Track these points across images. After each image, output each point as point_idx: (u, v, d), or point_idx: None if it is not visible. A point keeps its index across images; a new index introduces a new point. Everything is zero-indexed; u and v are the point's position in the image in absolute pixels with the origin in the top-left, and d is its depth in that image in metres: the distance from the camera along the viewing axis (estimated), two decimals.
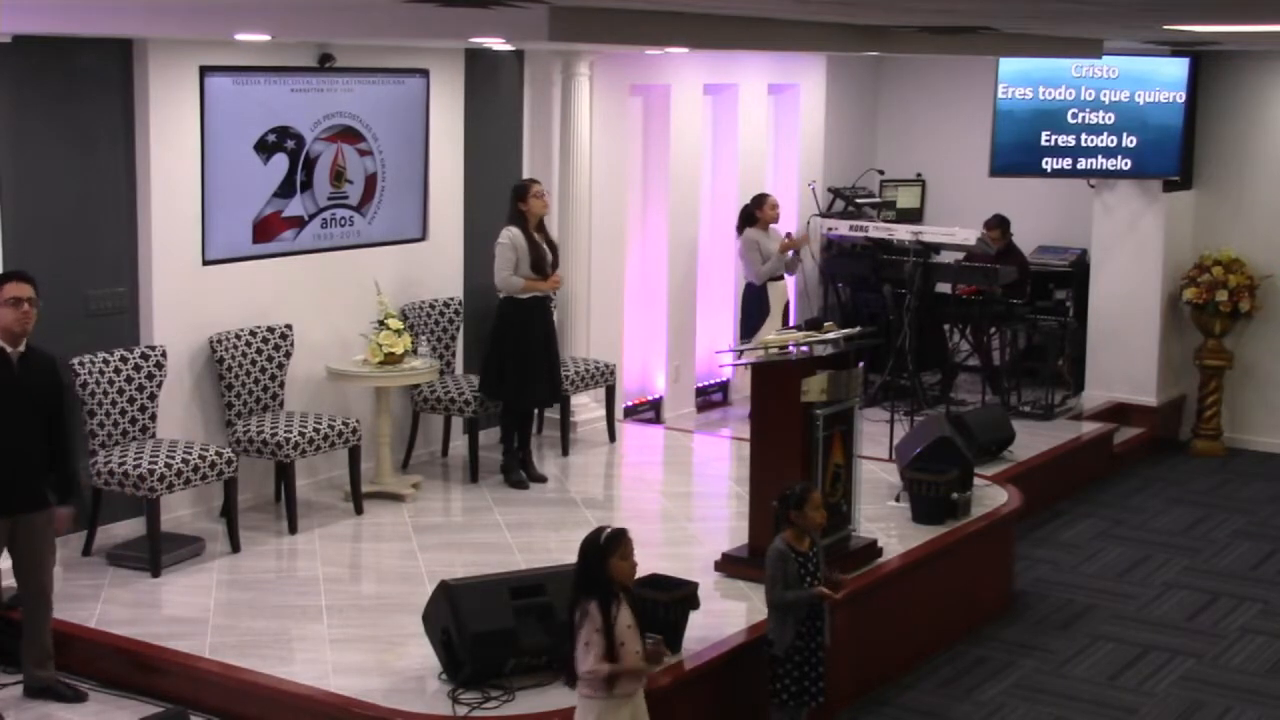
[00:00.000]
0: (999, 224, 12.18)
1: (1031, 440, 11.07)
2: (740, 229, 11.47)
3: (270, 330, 8.89)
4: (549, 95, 10.48)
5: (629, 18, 7.03)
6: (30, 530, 6.53)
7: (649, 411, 11.62)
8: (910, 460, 8.97)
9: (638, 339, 11.55)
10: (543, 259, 9.28)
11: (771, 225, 11.37)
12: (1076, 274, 12.80)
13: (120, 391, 8.09)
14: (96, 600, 7.41)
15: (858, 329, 8.35)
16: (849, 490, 7.87)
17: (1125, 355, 12.50)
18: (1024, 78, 12.02)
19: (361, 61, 9.35)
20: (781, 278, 11.42)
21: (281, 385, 8.93)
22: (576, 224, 10.43)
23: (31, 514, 6.51)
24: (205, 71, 8.49)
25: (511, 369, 9.29)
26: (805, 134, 12.70)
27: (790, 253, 11.37)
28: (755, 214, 11.37)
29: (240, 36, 7.91)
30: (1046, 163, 12.17)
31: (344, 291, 9.37)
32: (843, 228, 12.14)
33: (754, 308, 11.35)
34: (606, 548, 5.52)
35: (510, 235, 9.23)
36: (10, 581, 6.81)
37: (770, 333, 10.80)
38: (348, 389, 9.37)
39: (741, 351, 9.19)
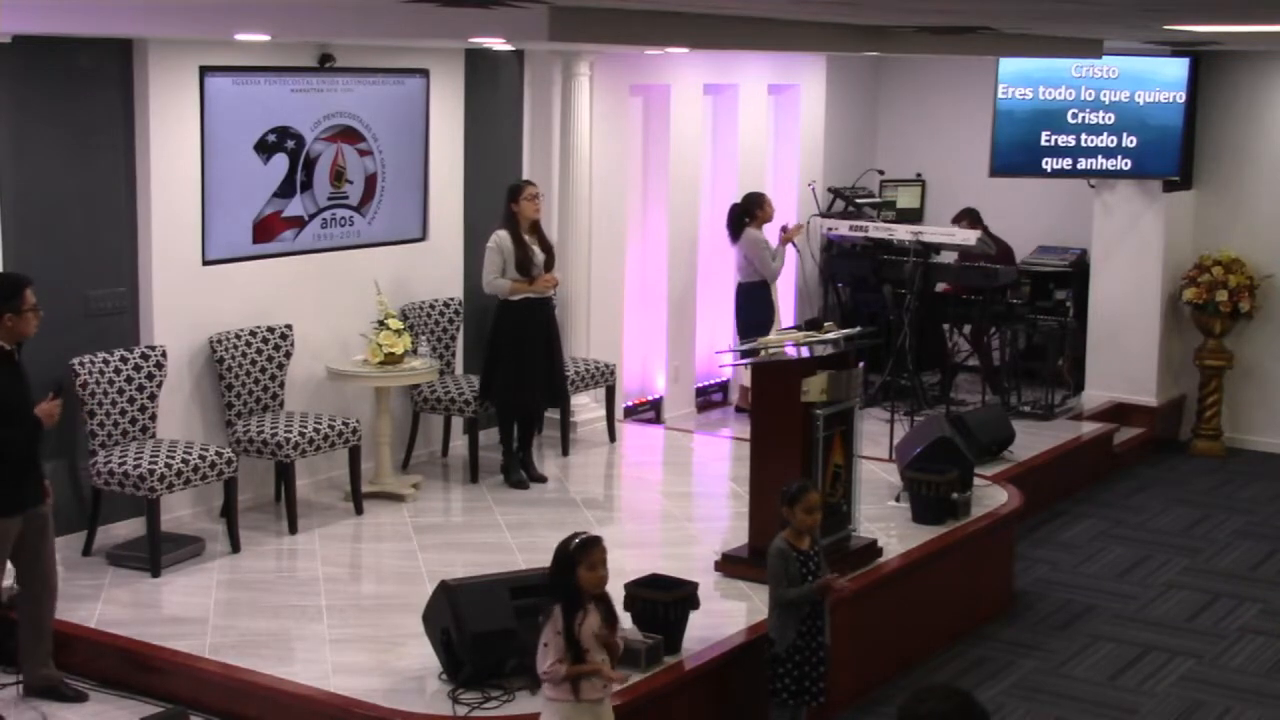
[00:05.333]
0: (967, 215, 12.20)
1: (1031, 440, 11.07)
2: (735, 231, 11.48)
3: (270, 330, 8.89)
4: (549, 95, 10.48)
5: (629, 18, 7.03)
6: (41, 523, 6.54)
7: (649, 411, 11.62)
8: (910, 460, 8.97)
9: (638, 339, 11.55)
10: (529, 261, 9.25)
11: (766, 224, 11.46)
12: (1076, 274, 12.80)
13: (120, 391, 8.09)
14: (96, 600, 7.40)
15: (858, 329, 8.36)
16: (849, 490, 7.87)
17: (1125, 355, 12.50)
18: (1024, 78, 12.02)
19: (361, 61, 9.35)
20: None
21: (281, 385, 8.93)
22: (576, 224, 10.43)
23: (40, 506, 6.53)
24: (205, 71, 8.49)
25: (505, 372, 9.28)
26: (805, 134, 12.70)
27: (789, 244, 11.53)
28: (756, 213, 11.42)
29: (240, 36, 7.91)
30: (1046, 163, 12.17)
31: (344, 291, 9.38)
32: (843, 228, 12.15)
33: (756, 308, 11.36)
34: (574, 557, 5.48)
35: (497, 239, 9.23)
36: (8, 581, 6.80)
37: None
38: (348, 389, 9.37)
39: (743, 352, 9.20)
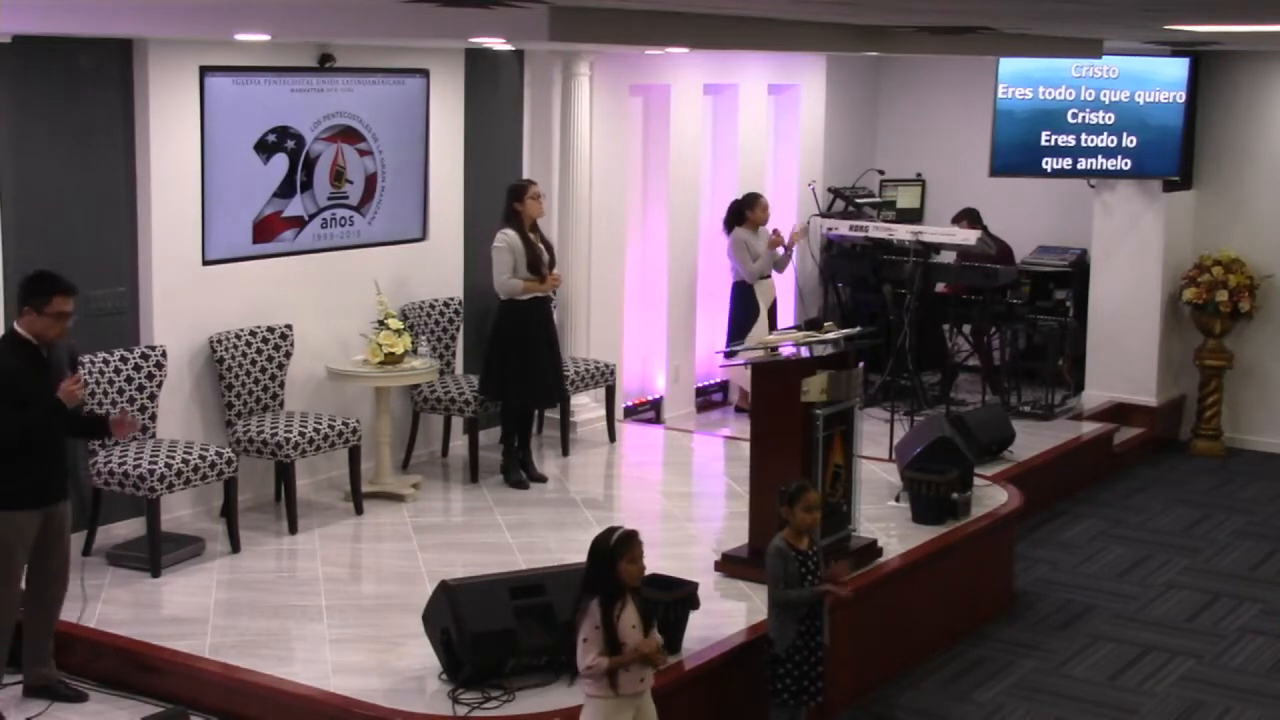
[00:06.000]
0: (966, 215, 12.20)
1: (1031, 440, 11.07)
2: (729, 227, 11.51)
3: (270, 330, 8.89)
4: (549, 95, 10.48)
5: (629, 18, 7.03)
6: (61, 520, 6.52)
7: (649, 411, 11.62)
8: (910, 460, 8.97)
9: (638, 339, 11.55)
10: (539, 260, 9.28)
11: (760, 226, 11.44)
12: (1076, 274, 12.80)
13: (120, 391, 8.09)
14: (96, 600, 7.40)
15: (858, 329, 8.36)
16: (849, 490, 7.87)
17: (1125, 355, 12.50)
18: (1024, 78, 12.02)
19: (361, 61, 9.35)
20: (768, 276, 11.49)
21: (281, 385, 8.93)
22: (576, 224, 10.44)
23: (61, 503, 6.51)
24: (205, 71, 8.49)
25: (512, 370, 9.29)
26: (805, 134, 12.70)
27: (779, 249, 11.43)
28: (746, 214, 11.43)
29: (240, 36, 7.91)
30: (1046, 163, 12.17)
31: (344, 291, 9.38)
32: (843, 228, 12.15)
33: (743, 307, 11.39)
34: (616, 550, 5.54)
35: (506, 238, 9.23)
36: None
37: (761, 332, 10.84)
38: (348, 389, 9.37)
39: (735, 352, 9.21)
